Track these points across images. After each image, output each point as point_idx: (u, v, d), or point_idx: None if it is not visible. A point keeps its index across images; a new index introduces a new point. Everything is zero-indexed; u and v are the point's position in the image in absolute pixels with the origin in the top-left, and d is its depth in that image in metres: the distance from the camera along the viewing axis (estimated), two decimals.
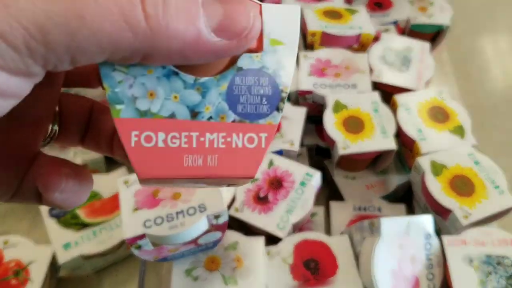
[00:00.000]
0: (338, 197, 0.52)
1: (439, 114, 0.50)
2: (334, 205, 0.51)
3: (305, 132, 0.53)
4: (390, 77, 0.54)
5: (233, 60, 0.18)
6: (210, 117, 0.18)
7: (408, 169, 0.50)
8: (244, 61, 0.18)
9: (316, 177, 0.46)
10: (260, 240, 0.41)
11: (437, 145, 0.47)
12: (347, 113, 0.50)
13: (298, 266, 0.41)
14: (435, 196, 0.43)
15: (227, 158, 0.19)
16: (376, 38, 0.58)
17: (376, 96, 0.52)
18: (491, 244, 0.41)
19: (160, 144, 0.18)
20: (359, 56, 0.56)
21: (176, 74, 0.18)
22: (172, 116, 0.18)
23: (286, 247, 0.42)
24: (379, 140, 0.48)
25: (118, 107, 0.18)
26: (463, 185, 0.44)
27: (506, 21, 0.84)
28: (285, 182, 0.45)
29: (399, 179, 0.52)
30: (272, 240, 0.42)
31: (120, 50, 0.15)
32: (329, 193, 0.53)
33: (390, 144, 0.48)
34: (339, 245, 0.42)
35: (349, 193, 0.51)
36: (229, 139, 0.18)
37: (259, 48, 0.19)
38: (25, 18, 0.14)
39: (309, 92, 0.53)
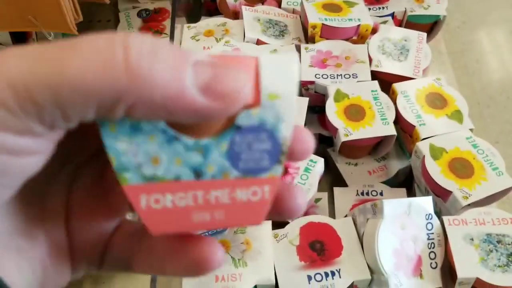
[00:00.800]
0: (341, 183, 0.53)
1: (437, 100, 0.51)
2: (337, 190, 0.52)
3: (308, 122, 0.54)
4: (389, 66, 0.55)
5: (232, 118, 0.19)
6: (214, 176, 0.19)
7: (409, 154, 0.52)
8: (243, 119, 0.19)
9: (319, 163, 0.47)
10: (268, 224, 0.43)
11: (436, 130, 0.48)
12: (348, 102, 0.52)
13: (304, 247, 0.42)
14: (435, 179, 0.45)
15: (233, 211, 0.19)
16: (374, 30, 0.60)
17: (375, 84, 0.53)
18: (491, 223, 0.42)
19: (169, 204, 0.19)
20: (358, 47, 0.57)
21: (177, 138, 0.19)
22: (177, 178, 0.19)
23: (293, 230, 0.43)
24: (380, 126, 0.49)
25: (125, 175, 0.18)
26: (462, 168, 0.46)
27: (503, 13, 0.85)
28: (290, 169, 0.47)
29: (400, 164, 0.53)
30: (279, 223, 0.44)
31: (105, 101, 0.15)
32: (332, 179, 0.55)
33: (390, 130, 0.49)
34: (343, 227, 0.43)
35: (352, 179, 0.53)
36: (233, 195, 0.19)
37: (256, 103, 0.19)
38: (12, 78, 0.15)
39: (311, 83, 0.55)
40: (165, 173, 0.19)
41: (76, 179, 0.22)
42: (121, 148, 0.18)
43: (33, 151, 0.17)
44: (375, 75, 0.55)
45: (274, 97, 0.19)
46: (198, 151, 0.19)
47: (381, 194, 0.51)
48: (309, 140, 0.20)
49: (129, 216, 0.23)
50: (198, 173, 0.19)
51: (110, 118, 0.17)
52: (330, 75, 0.55)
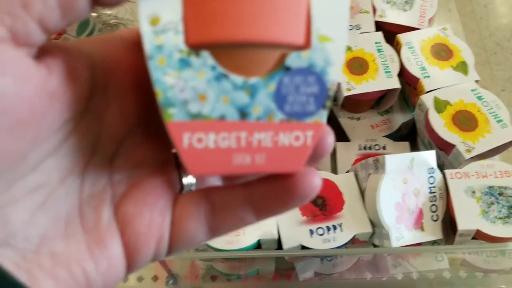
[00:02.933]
0: (344, 138, 0.53)
1: (442, 51, 0.50)
2: (340, 145, 0.52)
3: None
4: (393, 16, 0.54)
5: (282, 59, 0.18)
6: (259, 117, 0.19)
7: (412, 108, 0.51)
8: (292, 60, 0.18)
9: None
10: None
11: (440, 83, 0.48)
12: (351, 55, 0.51)
13: (307, 202, 0.43)
14: (438, 132, 0.44)
15: (274, 156, 0.19)
16: None
17: (379, 36, 0.52)
18: (493, 176, 0.42)
19: (211, 145, 0.18)
20: None
21: (226, 76, 0.18)
22: (222, 117, 0.18)
23: None
24: (383, 80, 0.49)
25: (171, 111, 0.18)
26: (466, 120, 0.45)
27: None
28: None
29: (403, 117, 0.53)
30: None
31: None
32: (334, 134, 0.55)
33: (394, 83, 0.48)
34: (345, 182, 0.44)
35: (354, 134, 0.53)
36: (276, 138, 0.19)
37: (307, 45, 0.18)
38: None
39: None
40: (211, 111, 0.18)
41: (119, 151, 0.21)
42: (169, 82, 0.18)
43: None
44: (379, 25, 0.54)
45: (325, 40, 0.18)
46: (245, 90, 0.18)
47: (384, 148, 0.51)
48: (328, 139, 0.20)
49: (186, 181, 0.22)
50: (243, 113, 0.19)
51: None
52: None
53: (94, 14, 0.58)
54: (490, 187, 0.42)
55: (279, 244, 0.41)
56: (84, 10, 0.16)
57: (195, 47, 0.18)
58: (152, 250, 0.20)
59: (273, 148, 0.19)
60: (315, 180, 0.19)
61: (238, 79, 0.18)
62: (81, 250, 0.19)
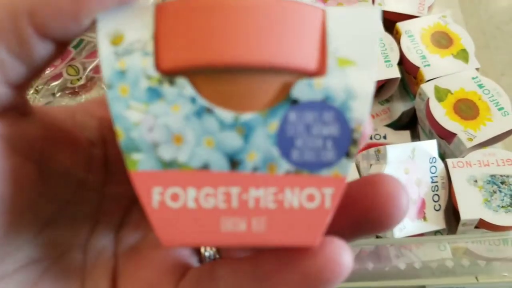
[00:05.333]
0: None
1: (442, 39, 0.49)
2: None
3: None
4: (392, 4, 0.53)
5: (286, 89, 0.14)
6: (256, 168, 0.14)
7: (413, 96, 0.51)
8: (301, 90, 0.14)
9: None
10: None
11: (441, 71, 0.47)
12: None
13: None
14: (439, 121, 0.44)
15: (278, 222, 0.14)
16: None
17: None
18: (495, 165, 0.42)
19: (190, 204, 0.14)
20: None
21: (210, 111, 0.14)
22: (206, 167, 0.14)
23: None
24: (383, 69, 0.48)
25: (135, 156, 0.14)
26: (467, 109, 0.45)
27: None
28: None
29: (404, 106, 0.52)
30: None
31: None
32: None
33: (394, 72, 0.48)
34: None
35: None
36: (280, 197, 0.14)
37: (321, 71, 0.14)
38: None
39: None
40: (190, 158, 0.14)
41: (126, 220, 0.19)
42: (133, 119, 0.14)
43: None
44: None
45: (347, 63, 0.14)
46: (237, 130, 0.14)
47: (385, 137, 0.51)
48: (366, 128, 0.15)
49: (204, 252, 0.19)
50: (234, 162, 0.14)
51: (23, 45, 0.14)
52: None
53: None
54: (493, 176, 0.41)
55: None
56: (48, 51, 0.14)
57: (169, 73, 0.14)
58: None
59: (277, 211, 0.14)
60: (342, 256, 0.14)
61: (226, 114, 0.14)
62: None
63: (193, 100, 0.14)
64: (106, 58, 0.14)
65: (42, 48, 0.14)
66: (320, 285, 0.14)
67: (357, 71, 0.14)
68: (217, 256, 0.19)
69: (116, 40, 0.14)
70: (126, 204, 0.19)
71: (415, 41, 0.49)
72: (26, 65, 0.14)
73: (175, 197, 0.14)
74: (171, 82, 0.14)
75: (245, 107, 0.14)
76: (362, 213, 0.15)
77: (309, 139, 0.14)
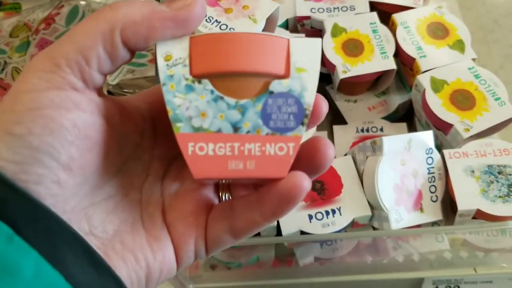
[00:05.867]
0: (341, 121, 0.52)
1: (438, 30, 0.49)
2: (337, 129, 0.52)
3: None
4: None
5: (266, 85, 0.23)
6: (248, 131, 0.23)
7: (409, 88, 0.51)
8: (275, 86, 0.23)
9: None
10: None
11: (437, 62, 0.47)
12: (346, 36, 0.50)
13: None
14: (436, 112, 0.44)
15: (262, 163, 0.23)
16: None
17: (374, 16, 0.51)
18: (492, 155, 0.42)
19: (210, 153, 0.23)
20: None
21: (222, 98, 0.23)
22: (219, 130, 0.23)
23: None
24: (379, 61, 0.48)
25: (178, 124, 0.23)
26: (464, 99, 0.45)
27: None
28: None
29: (400, 98, 0.52)
30: None
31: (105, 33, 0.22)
32: (332, 118, 0.54)
33: (390, 64, 0.48)
34: (343, 165, 0.43)
35: (351, 116, 0.52)
36: (263, 148, 0.23)
37: (286, 75, 0.23)
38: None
39: (307, 18, 0.53)
40: (210, 125, 0.23)
41: (167, 173, 0.27)
42: (177, 103, 0.23)
43: (77, 105, 0.22)
44: (373, 6, 0.53)
45: (301, 71, 0.23)
46: (238, 109, 0.23)
47: (381, 130, 0.51)
48: (323, 106, 0.24)
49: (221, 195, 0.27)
50: (236, 128, 0.23)
51: (113, 48, 0.22)
52: (326, 9, 0.53)
53: (83, 3, 0.57)
54: (489, 166, 0.41)
55: (278, 231, 0.41)
56: (126, 56, 0.22)
57: (198, 77, 0.23)
58: (192, 248, 0.25)
59: (261, 156, 0.23)
60: (301, 182, 0.23)
61: (231, 100, 0.23)
62: (143, 242, 0.24)
63: (212, 92, 0.23)
64: (162, 68, 0.23)
65: (123, 53, 0.22)
66: (290, 200, 0.23)
67: (307, 75, 0.23)
68: (230, 197, 0.27)
69: (167, 57, 0.23)
70: (167, 163, 0.27)
71: (411, 32, 0.49)
72: (111, 62, 0.22)
73: (201, 148, 0.23)
74: (199, 82, 0.23)
75: (242, 96, 0.23)
76: (307, 160, 0.24)
77: (280, 114, 0.23)
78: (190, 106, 0.23)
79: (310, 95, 0.23)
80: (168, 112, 0.23)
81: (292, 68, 0.23)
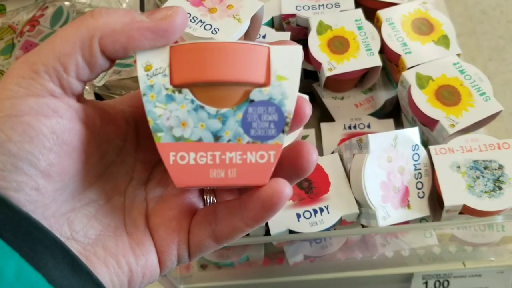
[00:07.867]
0: (328, 118, 0.53)
1: (423, 26, 0.49)
2: (324, 126, 0.52)
3: None
4: None
5: (247, 94, 0.23)
6: (229, 140, 0.23)
7: (395, 84, 0.51)
8: (255, 94, 0.23)
9: None
10: None
11: (422, 58, 0.47)
12: (332, 34, 0.50)
13: (293, 186, 0.42)
14: (421, 108, 0.44)
15: (244, 171, 0.23)
16: None
17: (359, 13, 0.51)
18: (478, 150, 0.42)
19: (191, 162, 0.23)
20: None
21: (202, 108, 0.23)
22: (200, 140, 0.23)
23: None
24: (365, 58, 0.48)
25: (159, 134, 0.23)
26: (449, 95, 0.45)
27: None
28: None
29: (387, 94, 0.52)
30: None
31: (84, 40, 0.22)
32: (319, 115, 0.54)
33: (375, 61, 0.48)
34: (330, 163, 0.43)
35: (339, 113, 0.52)
36: (244, 157, 0.23)
37: (267, 83, 0.23)
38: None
39: (293, 15, 0.52)
40: (191, 135, 0.23)
41: (151, 177, 0.27)
42: (158, 113, 0.23)
43: (55, 112, 0.22)
44: (358, 2, 0.53)
45: (282, 79, 0.23)
46: (218, 118, 0.23)
47: (369, 126, 0.51)
48: (306, 108, 0.24)
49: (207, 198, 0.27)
50: (217, 137, 0.23)
51: (91, 56, 0.22)
52: (311, 6, 0.53)
53: (67, 3, 0.56)
54: (475, 161, 0.41)
55: (267, 230, 0.41)
56: (105, 65, 0.22)
57: (178, 86, 0.23)
58: (174, 253, 0.25)
59: (243, 165, 0.23)
60: (282, 189, 0.23)
61: (212, 109, 0.23)
62: (125, 247, 0.24)
63: (192, 101, 0.23)
64: (142, 78, 0.23)
65: (101, 61, 0.22)
66: (271, 206, 0.23)
67: (287, 83, 0.23)
68: (215, 201, 0.27)
69: (147, 67, 0.23)
70: (151, 167, 0.27)
71: (396, 29, 0.49)
72: (90, 69, 0.22)
73: (182, 158, 0.23)
74: (180, 92, 0.23)
75: (223, 105, 0.23)
76: (290, 166, 0.24)
77: (260, 123, 0.23)
78: (171, 116, 0.23)
79: (290, 103, 0.23)
80: (149, 122, 0.23)
81: (272, 76, 0.23)
